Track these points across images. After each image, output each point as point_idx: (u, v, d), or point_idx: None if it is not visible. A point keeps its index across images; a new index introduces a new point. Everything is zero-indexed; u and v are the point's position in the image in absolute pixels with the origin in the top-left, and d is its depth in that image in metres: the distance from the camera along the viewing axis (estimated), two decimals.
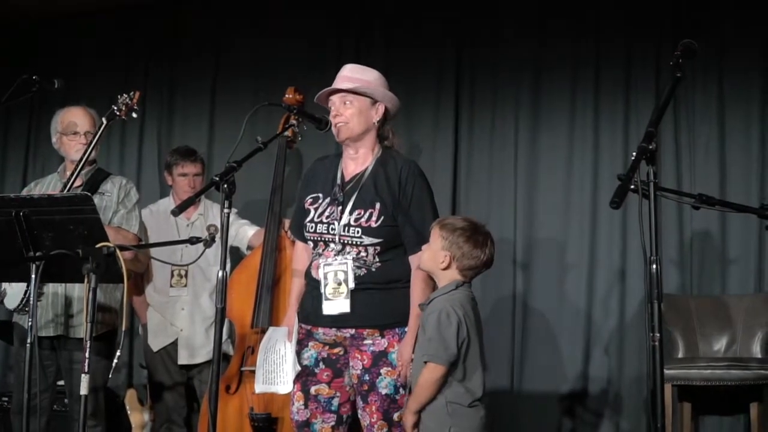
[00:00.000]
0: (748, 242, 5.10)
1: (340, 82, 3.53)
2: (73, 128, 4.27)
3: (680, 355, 4.86)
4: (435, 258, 3.27)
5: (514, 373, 5.38)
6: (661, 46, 5.30)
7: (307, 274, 3.55)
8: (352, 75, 3.54)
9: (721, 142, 5.21)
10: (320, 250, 3.47)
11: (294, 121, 4.47)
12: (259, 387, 3.64)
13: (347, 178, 3.53)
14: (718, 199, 3.37)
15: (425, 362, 3.18)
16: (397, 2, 5.95)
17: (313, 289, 3.49)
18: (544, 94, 5.56)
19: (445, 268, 3.26)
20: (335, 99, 3.51)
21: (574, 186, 5.44)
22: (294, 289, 3.68)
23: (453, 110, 5.71)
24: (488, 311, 5.35)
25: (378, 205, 3.42)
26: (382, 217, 3.41)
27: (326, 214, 3.47)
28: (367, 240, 3.39)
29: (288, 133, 4.66)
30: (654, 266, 2.62)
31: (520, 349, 5.40)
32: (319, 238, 3.47)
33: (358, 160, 3.54)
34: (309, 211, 3.52)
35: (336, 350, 3.48)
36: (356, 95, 3.49)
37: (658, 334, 2.60)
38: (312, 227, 3.49)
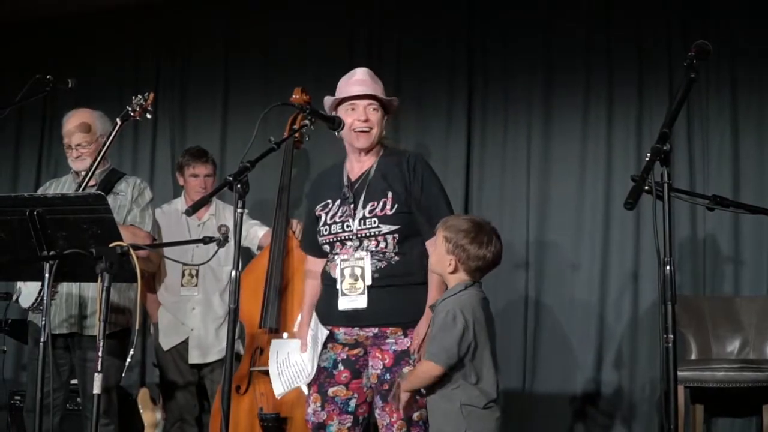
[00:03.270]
0: (761, 244, 5.09)
1: (368, 88, 3.52)
2: (67, 142, 4.30)
3: (693, 356, 4.85)
4: (441, 262, 3.25)
5: (526, 375, 5.37)
6: (674, 47, 5.29)
7: (325, 273, 3.55)
8: (374, 84, 3.55)
9: (734, 143, 5.20)
10: (337, 250, 3.47)
11: (307, 122, 4.47)
12: (281, 392, 3.63)
13: (353, 178, 3.54)
14: (731, 200, 3.35)
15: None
16: (409, 3, 5.95)
17: (329, 288, 3.50)
18: (556, 94, 5.57)
19: (453, 272, 3.24)
20: (362, 102, 3.51)
21: (586, 187, 5.44)
22: (307, 294, 3.68)
23: (465, 111, 5.72)
24: (500, 312, 5.34)
25: (390, 194, 3.44)
26: (396, 205, 3.42)
27: (338, 214, 3.49)
28: (385, 228, 3.39)
29: (295, 134, 4.67)
30: (667, 268, 2.61)
31: (532, 350, 5.39)
32: (334, 239, 3.48)
33: (362, 162, 3.56)
34: (321, 217, 3.54)
35: (355, 351, 3.48)
36: (380, 105, 3.52)
37: (671, 336, 2.59)
38: (326, 230, 3.50)
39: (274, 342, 3.83)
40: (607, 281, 5.33)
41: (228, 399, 3.04)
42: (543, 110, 5.56)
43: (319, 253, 3.60)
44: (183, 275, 4.96)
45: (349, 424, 3.48)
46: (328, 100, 3.61)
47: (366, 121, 3.49)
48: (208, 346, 4.91)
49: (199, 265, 4.68)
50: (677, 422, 2.65)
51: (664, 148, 2.61)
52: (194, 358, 4.92)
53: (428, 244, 3.43)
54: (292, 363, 3.60)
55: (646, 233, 5.19)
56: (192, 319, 4.95)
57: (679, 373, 4.20)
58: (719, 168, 5.20)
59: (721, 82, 5.24)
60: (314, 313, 3.58)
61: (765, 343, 4.82)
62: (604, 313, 5.31)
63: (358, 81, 3.54)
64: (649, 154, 2.61)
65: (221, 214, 5.07)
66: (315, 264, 3.65)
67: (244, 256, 5.01)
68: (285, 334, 4.24)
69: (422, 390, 3.24)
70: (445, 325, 3.14)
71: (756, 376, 4.52)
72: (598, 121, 5.46)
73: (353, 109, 3.50)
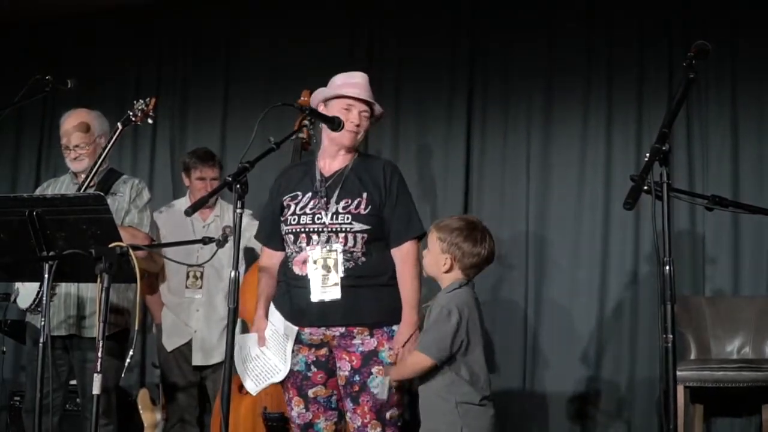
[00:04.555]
0: (760, 243, 5.09)
1: (367, 95, 3.57)
2: (65, 142, 4.29)
3: (692, 356, 4.85)
4: (436, 262, 3.28)
5: (526, 374, 5.37)
6: (674, 47, 5.29)
7: (287, 272, 3.51)
8: (370, 92, 3.60)
9: (734, 142, 5.20)
10: (302, 243, 3.45)
11: (307, 122, 4.48)
12: (254, 389, 3.60)
13: (326, 175, 3.56)
14: (731, 200, 3.35)
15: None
16: (410, 3, 5.95)
17: (295, 287, 3.47)
18: (556, 94, 5.57)
19: (448, 271, 3.26)
20: (358, 105, 3.55)
21: (586, 187, 5.44)
22: (262, 291, 3.64)
23: (465, 110, 5.72)
24: (500, 312, 5.36)
25: (365, 195, 3.47)
26: (370, 207, 3.45)
27: (309, 206, 3.49)
28: (357, 226, 3.41)
29: (303, 134, 4.66)
30: (667, 267, 2.61)
31: (532, 350, 5.40)
32: (302, 230, 3.46)
33: (337, 160, 3.58)
34: (289, 206, 3.53)
35: (322, 351, 3.47)
36: (371, 113, 3.58)
37: (671, 336, 2.59)
38: (294, 219, 3.49)
39: (237, 337, 3.81)
40: (607, 281, 5.33)
41: (227, 400, 3.04)
42: (543, 110, 5.56)
43: (278, 245, 3.58)
44: (188, 277, 4.96)
45: (335, 420, 3.52)
46: (321, 92, 3.62)
47: (358, 125, 3.54)
48: (212, 348, 4.90)
49: (200, 265, 4.68)
50: (676, 422, 2.65)
51: (663, 148, 2.61)
52: (197, 360, 4.92)
53: (394, 252, 3.48)
54: (253, 357, 3.56)
55: (645, 233, 5.19)
56: (195, 320, 4.94)
57: (679, 373, 4.21)
58: (718, 168, 5.20)
59: (720, 82, 5.24)
60: (277, 311, 3.54)
61: (764, 343, 4.82)
62: (603, 313, 5.31)
63: (358, 84, 3.58)
64: (648, 154, 2.62)
65: (226, 215, 5.05)
66: (271, 257, 3.63)
67: (248, 256, 5.01)
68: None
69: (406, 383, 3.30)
70: (439, 320, 3.18)
71: (755, 376, 4.52)
72: (597, 121, 5.46)
73: (347, 109, 3.53)
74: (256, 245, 4.96)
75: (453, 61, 5.79)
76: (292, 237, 3.50)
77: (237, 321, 3.24)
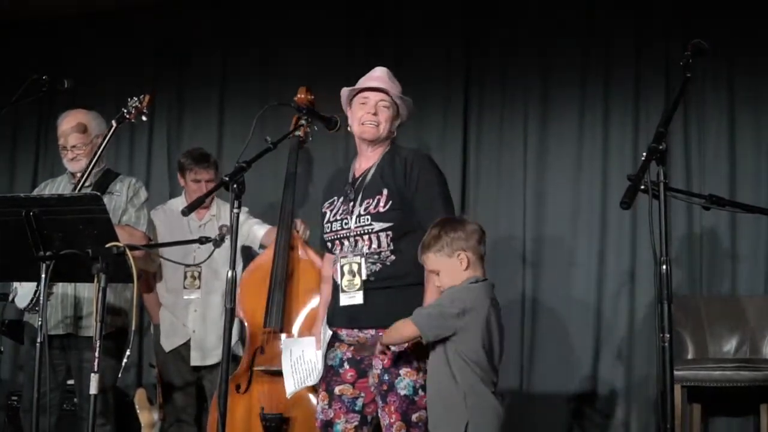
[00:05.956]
0: (758, 243, 5.09)
1: (382, 84, 3.53)
2: (62, 143, 4.29)
3: (690, 356, 4.85)
4: (453, 269, 3.23)
5: (523, 374, 5.37)
6: (672, 47, 5.29)
7: (333, 276, 3.56)
8: (391, 83, 3.56)
9: (731, 142, 5.20)
10: (337, 250, 3.49)
11: (303, 121, 4.47)
12: (291, 391, 3.66)
13: (357, 176, 3.56)
14: (728, 199, 3.36)
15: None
16: (408, 3, 5.95)
17: (335, 290, 3.51)
18: (553, 93, 5.57)
19: (467, 267, 3.23)
20: (374, 97, 3.52)
21: (583, 186, 5.44)
22: (323, 296, 3.70)
23: (462, 109, 5.72)
24: None
25: (385, 191, 3.43)
26: (390, 202, 3.41)
27: (340, 211, 3.50)
28: (377, 226, 3.39)
29: (300, 133, 4.66)
30: (664, 267, 2.61)
31: (529, 350, 5.40)
32: (335, 237, 3.49)
33: (367, 159, 3.57)
34: (325, 215, 3.56)
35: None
36: (392, 102, 3.53)
37: (668, 335, 2.59)
38: (328, 227, 3.52)
39: (287, 341, 3.86)
40: (604, 280, 5.33)
41: (225, 399, 3.04)
42: (539, 109, 5.57)
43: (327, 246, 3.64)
44: (185, 277, 4.94)
45: (356, 423, 3.48)
46: (344, 93, 3.60)
47: (375, 114, 3.49)
48: (209, 348, 4.89)
49: (198, 264, 4.67)
50: (674, 422, 2.65)
51: (660, 147, 2.61)
52: (195, 360, 4.90)
53: None
54: (306, 361, 3.63)
55: (642, 232, 5.19)
56: (193, 321, 4.94)
57: (676, 373, 4.23)
58: (716, 167, 5.21)
59: (717, 81, 5.24)
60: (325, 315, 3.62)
61: (762, 343, 4.82)
62: (601, 313, 5.32)
63: (374, 77, 3.56)
64: (645, 154, 2.62)
65: (222, 214, 5.04)
66: (330, 261, 3.64)
67: (246, 255, 5.01)
68: (283, 335, 4.26)
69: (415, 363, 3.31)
70: (442, 302, 3.19)
71: (753, 376, 4.52)
72: (594, 120, 5.46)
73: (364, 103, 3.52)
74: (253, 244, 4.99)
75: (450, 59, 5.79)
76: (329, 245, 3.54)
77: (234, 320, 3.24)
